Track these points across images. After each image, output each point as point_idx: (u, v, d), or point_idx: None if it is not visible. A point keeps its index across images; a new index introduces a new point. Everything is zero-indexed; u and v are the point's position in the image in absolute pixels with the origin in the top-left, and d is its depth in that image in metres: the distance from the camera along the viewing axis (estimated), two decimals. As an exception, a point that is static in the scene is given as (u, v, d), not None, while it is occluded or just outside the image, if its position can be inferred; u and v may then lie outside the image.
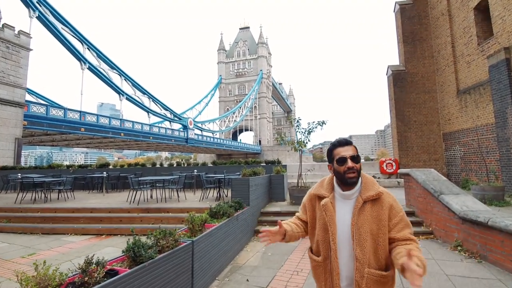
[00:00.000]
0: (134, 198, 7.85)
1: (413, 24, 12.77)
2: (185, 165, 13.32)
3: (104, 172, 9.88)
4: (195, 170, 9.85)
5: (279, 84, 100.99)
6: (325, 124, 7.84)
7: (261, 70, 75.86)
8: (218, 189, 7.99)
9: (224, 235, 4.30)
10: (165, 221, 6.59)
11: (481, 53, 9.86)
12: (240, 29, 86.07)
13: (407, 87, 12.51)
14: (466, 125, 10.54)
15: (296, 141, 8.09)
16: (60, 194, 9.42)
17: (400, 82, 12.56)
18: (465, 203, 4.90)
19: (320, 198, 1.48)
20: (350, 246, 1.35)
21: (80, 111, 26.29)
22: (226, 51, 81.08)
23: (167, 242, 2.81)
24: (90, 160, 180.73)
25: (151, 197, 8.53)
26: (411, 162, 12.15)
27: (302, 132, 7.95)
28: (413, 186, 6.33)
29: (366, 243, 1.32)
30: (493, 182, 7.33)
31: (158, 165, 12.81)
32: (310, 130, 7.87)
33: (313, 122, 7.84)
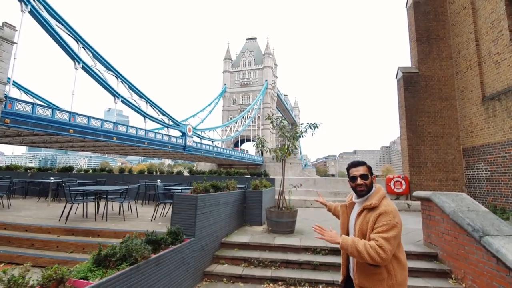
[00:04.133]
0: (69, 213, 6.13)
1: (428, 20, 11.04)
2: (158, 173, 11.57)
3: (51, 178, 8.17)
4: (159, 180, 8.06)
5: (284, 95, 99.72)
6: (317, 128, 6.03)
7: (266, 81, 74.80)
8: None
9: (117, 297, 2.50)
10: (88, 249, 4.78)
11: (514, 51, 8.08)
12: (247, 39, 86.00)
13: (421, 92, 10.65)
14: (494, 139, 8.63)
15: (278, 149, 6.27)
16: (-7, 202, 7.73)
17: (412, 87, 10.73)
18: (529, 254, 3.03)
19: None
20: None
21: (70, 112, 24.97)
22: (232, 60, 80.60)
23: None
24: (94, 164, 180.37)
25: (97, 212, 6.78)
26: (425, 181, 10.17)
27: (287, 137, 6.17)
28: (436, 217, 4.44)
29: (357, 237, 1.86)
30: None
31: (126, 172, 11.10)
32: (297, 135, 6.08)
33: (302, 124, 6.06)
